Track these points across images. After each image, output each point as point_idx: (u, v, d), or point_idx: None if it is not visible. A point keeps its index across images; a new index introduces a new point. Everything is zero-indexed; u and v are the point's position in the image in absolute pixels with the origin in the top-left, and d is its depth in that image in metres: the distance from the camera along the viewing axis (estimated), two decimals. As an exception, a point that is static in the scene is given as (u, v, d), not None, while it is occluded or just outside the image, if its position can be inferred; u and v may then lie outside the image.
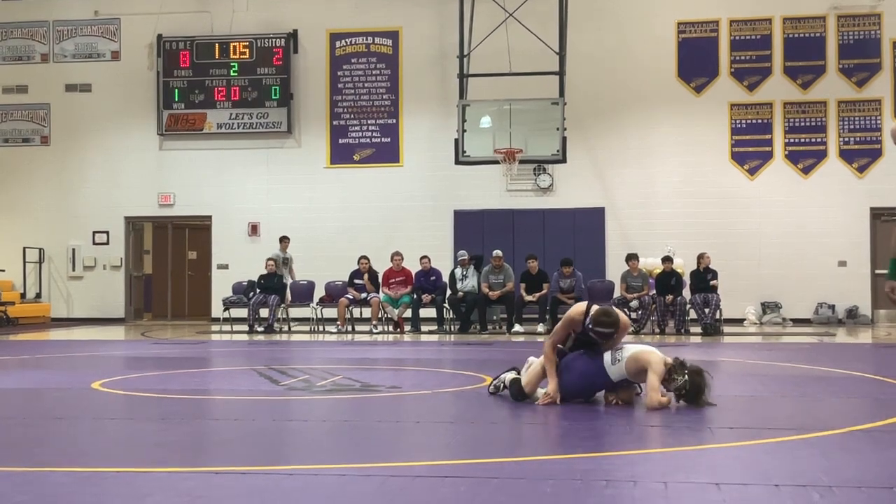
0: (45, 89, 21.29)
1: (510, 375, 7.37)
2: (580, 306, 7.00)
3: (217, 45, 20.67)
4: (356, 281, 17.40)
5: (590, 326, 6.75)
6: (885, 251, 19.05)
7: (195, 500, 4.07)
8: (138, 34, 20.99)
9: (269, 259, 17.74)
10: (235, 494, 4.19)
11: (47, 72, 21.35)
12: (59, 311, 21.10)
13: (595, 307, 6.89)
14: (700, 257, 17.01)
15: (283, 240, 18.44)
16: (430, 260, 17.52)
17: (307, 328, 17.58)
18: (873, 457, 5.00)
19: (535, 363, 7.22)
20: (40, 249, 21.12)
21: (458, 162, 17.50)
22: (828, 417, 6.57)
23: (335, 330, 16.90)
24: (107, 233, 21.06)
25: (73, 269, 21.14)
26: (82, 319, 20.76)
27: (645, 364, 6.65)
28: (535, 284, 16.88)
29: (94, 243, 21.09)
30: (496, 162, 17.30)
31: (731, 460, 5.05)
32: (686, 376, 6.62)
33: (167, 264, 22.77)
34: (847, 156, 19.17)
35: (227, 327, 17.73)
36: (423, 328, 16.97)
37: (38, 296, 21.07)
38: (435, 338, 15.87)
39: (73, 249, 21.09)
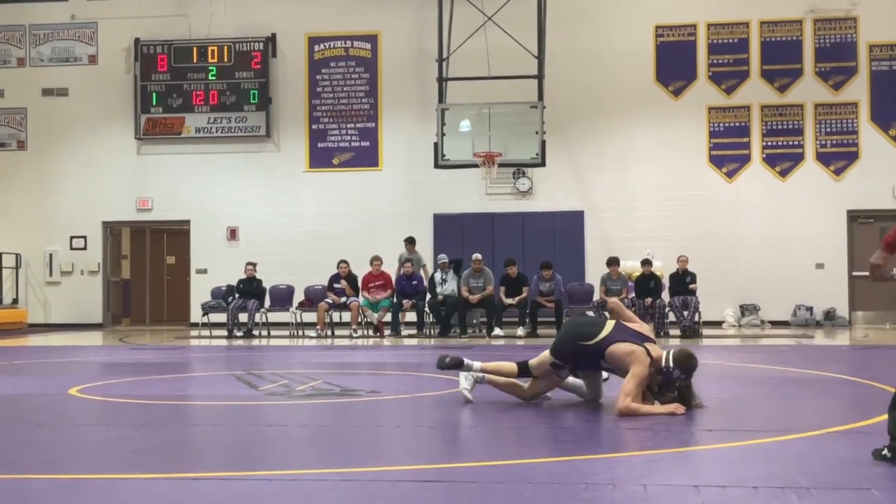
0: (22, 93, 21.14)
1: (466, 383, 7.31)
2: (641, 356, 6.58)
3: (195, 48, 20.59)
4: (335, 285, 17.38)
5: (681, 377, 6.57)
6: (863, 253, 19.21)
7: (174, 507, 4.05)
8: (115, 38, 20.88)
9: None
10: (215, 500, 4.17)
11: (24, 76, 21.20)
12: (37, 316, 20.96)
13: (667, 355, 6.63)
14: (679, 260, 17.10)
15: (410, 241, 18.10)
16: (412, 263, 17.50)
17: (286, 333, 17.54)
18: (851, 458, 5.03)
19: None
20: (17, 255, 20.97)
21: (437, 166, 17.50)
22: (806, 419, 6.61)
23: (314, 334, 16.85)
24: (84, 238, 20.93)
25: (51, 275, 21.00)
26: (60, 325, 20.62)
27: (627, 365, 6.64)
28: (514, 288, 16.90)
29: (72, 248, 20.94)
30: (475, 166, 17.32)
31: (710, 462, 5.08)
32: (676, 392, 6.63)
33: (145, 269, 22.66)
34: (824, 159, 19.30)
35: (205, 332, 17.66)
36: (403, 332, 16.96)
37: (15, 301, 20.92)
38: (415, 341, 15.86)
39: (51, 255, 20.95)
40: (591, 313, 16.94)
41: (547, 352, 7.06)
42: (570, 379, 7.23)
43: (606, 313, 16.36)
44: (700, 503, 4.02)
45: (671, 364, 6.57)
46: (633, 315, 7.30)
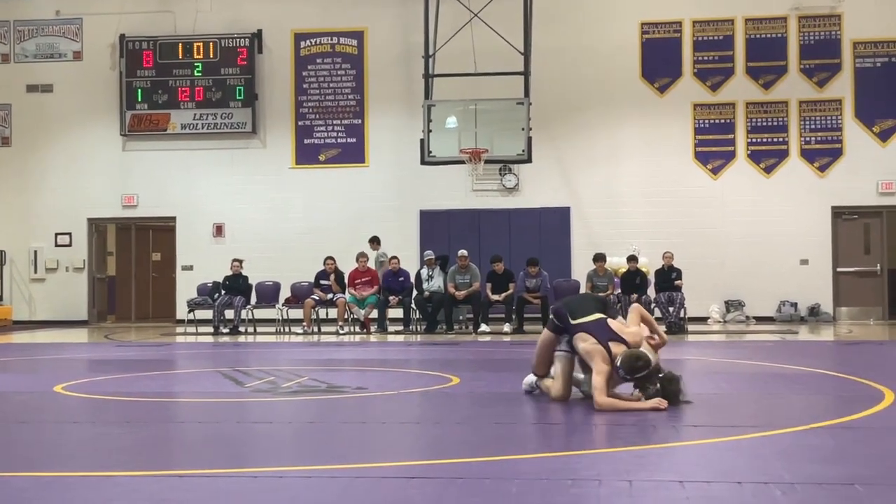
0: (7, 90, 21.01)
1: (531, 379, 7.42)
2: (597, 352, 6.63)
3: (180, 44, 20.51)
4: (322, 282, 17.36)
5: (626, 376, 6.55)
6: (846, 250, 19.32)
7: (160, 504, 4.05)
8: (100, 34, 20.79)
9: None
10: (200, 498, 4.17)
11: (8, 72, 21.07)
12: (21, 313, 20.85)
13: (619, 354, 6.58)
14: (664, 256, 17.16)
15: (375, 240, 18.07)
16: (399, 260, 17.51)
17: (273, 329, 17.51)
18: (834, 454, 5.07)
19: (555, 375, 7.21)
20: (1, 252, 20.84)
21: (423, 162, 17.49)
22: (790, 415, 6.64)
23: (301, 331, 16.84)
24: (69, 234, 20.84)
25: (35, 272, 20.90)
26: (45, 322, 20.53)
27: (587, 359, 6.70)
28: (501, 284, 16.91)
29: (57, 245, 20.86)
30: (462, 162, 17.32)
31: (695, 458, 5.10)
32: (657, 385, 6.60)
33: (131, 266, 22.57)
34: (808, 155, 19.38)
35: (191, 329, 17.62)
36: (390, 328, 16.96)
37: (0, 298, 20.82)
38: (401, 338, 15.86)
39: (35, 251, 20.86)
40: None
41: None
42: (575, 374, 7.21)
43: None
44: (685, 498, 4.04)
45: (618, 363, 6.56)
46: (637, 318, 7.09)
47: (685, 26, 19.77)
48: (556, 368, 7.07)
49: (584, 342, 6.73)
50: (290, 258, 19.54)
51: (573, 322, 6.87)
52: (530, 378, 7.43)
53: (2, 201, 20.92)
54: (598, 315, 6.92)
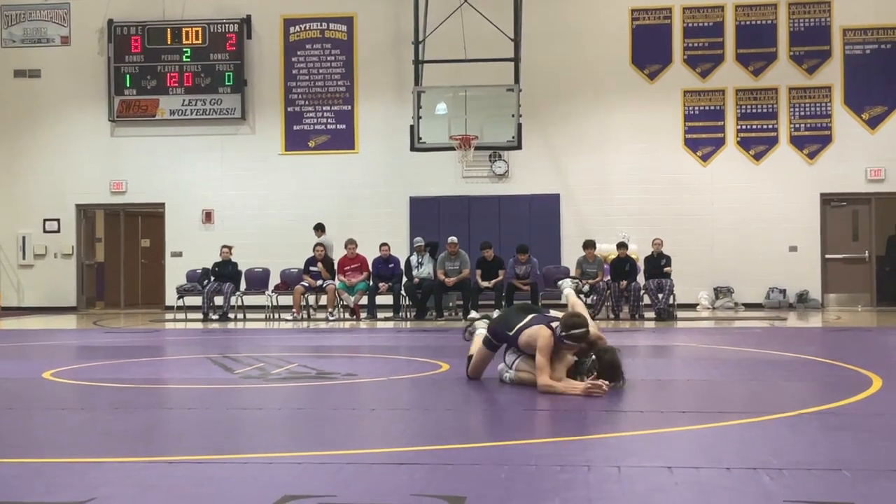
0: (-6, 75, 20.93)
1: (481, 330, 7.62)
2: (545, 332, 6.77)
3: (169, 30, 20.41)
4: (311, 268, 17.35)
5: (562, 334, 6.65)
6: (835, 236, 19.38)
7: (148, 490, 4.04)
8: (88, 19, 20.68)
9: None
10: (190, 484, 4.16)
11: (-5, 57, 20.99)
12: (10, 300, 20.80)
13: (555, 322, 6.82)
14: (653, 243, 17.18)
15: (319, 227, 18.16)
16: (389, 247, 17.50)
17: (262, 316, 17.49)
18: (822, 439, 5.09)
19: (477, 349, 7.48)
20: (-11, 238, 20.80)
21: (413, 148, 17.47)
22: (778, 401, 6.66)
23: (290, 317, 16.82)
24: (58, 220, 20.77)
25: (24, 258, 20.83)
26: (33, 308, 20.47)
27: (533, 343, 6.80)
28: (490, 271, 16.92)
29: (45, 231, 20.79)
30: (452, 148, 17.30)
31: (684, 444, 5.11)
32: (592, 356, 6.74)
33: (119, 252, 22.50)
34: (798, 142, 19.41)
35: (181, 315, 17.59)
36: (380, 315, 16.96)
37: (-12, 285, 20.78)
38: (391, 325, 15.86)
39: (24, 237, 20.79)
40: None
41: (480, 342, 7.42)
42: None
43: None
44: (674, 484, 4.05)
45: (556, 326, 6.75)
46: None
47: (675, 13, 19.76)
48: (524, 364, 7.12)
49: (528, 332, 6.90)
50: (280, 244, 19.52)
51: (511, 332, 7.04)
52: (501, 366, 7.44)
53: (-11, 187, 20.83)
54: (532, 315, 7.14)
